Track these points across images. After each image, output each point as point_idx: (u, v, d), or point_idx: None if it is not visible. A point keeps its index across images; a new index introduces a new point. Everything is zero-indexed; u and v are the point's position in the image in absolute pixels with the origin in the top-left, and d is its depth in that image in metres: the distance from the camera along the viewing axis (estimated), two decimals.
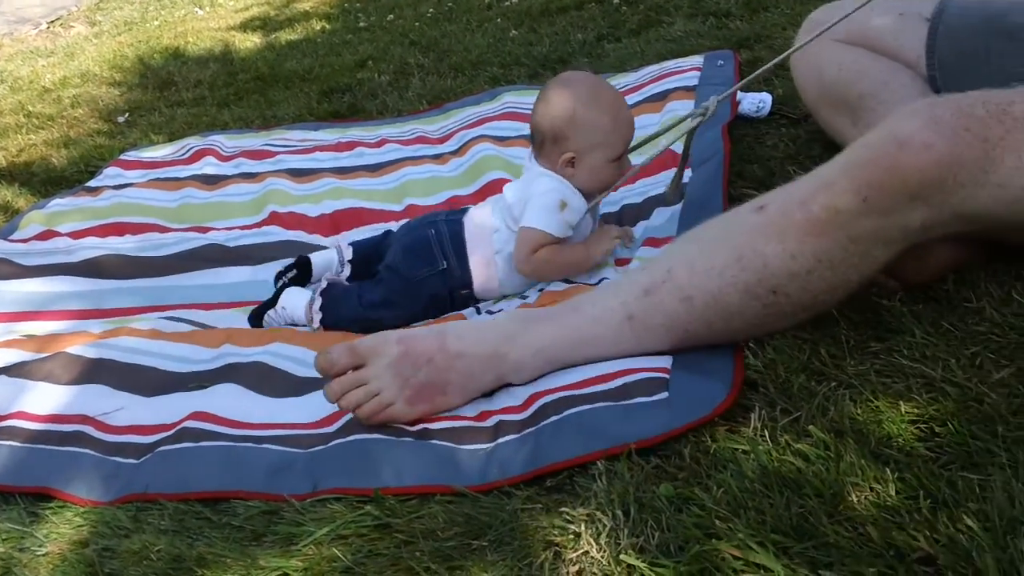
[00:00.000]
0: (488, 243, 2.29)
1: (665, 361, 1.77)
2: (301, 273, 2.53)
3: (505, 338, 1.86)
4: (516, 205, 2.26)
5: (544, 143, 2.23)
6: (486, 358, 1.85)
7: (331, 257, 2.55)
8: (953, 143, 1.54)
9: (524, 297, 2.30)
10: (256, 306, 2.50)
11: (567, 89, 2.21)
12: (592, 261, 2.25)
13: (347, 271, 2.49)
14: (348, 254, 2.51)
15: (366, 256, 2.49)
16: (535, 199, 2.21)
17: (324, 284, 2.39)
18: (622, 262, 2.30)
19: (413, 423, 1.83)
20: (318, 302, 2.35)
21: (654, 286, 1.76)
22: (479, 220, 2.33)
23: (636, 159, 2.32)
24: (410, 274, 2.31)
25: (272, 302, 2.47)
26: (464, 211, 2.40)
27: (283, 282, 2.52)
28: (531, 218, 2.21)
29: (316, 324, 2.35)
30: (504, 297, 2.34)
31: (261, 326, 2.48)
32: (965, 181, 1.55)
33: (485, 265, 2.30)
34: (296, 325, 2.41)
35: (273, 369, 2.14)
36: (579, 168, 2.21)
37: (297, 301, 2.42)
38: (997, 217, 1.61)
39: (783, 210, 1.67)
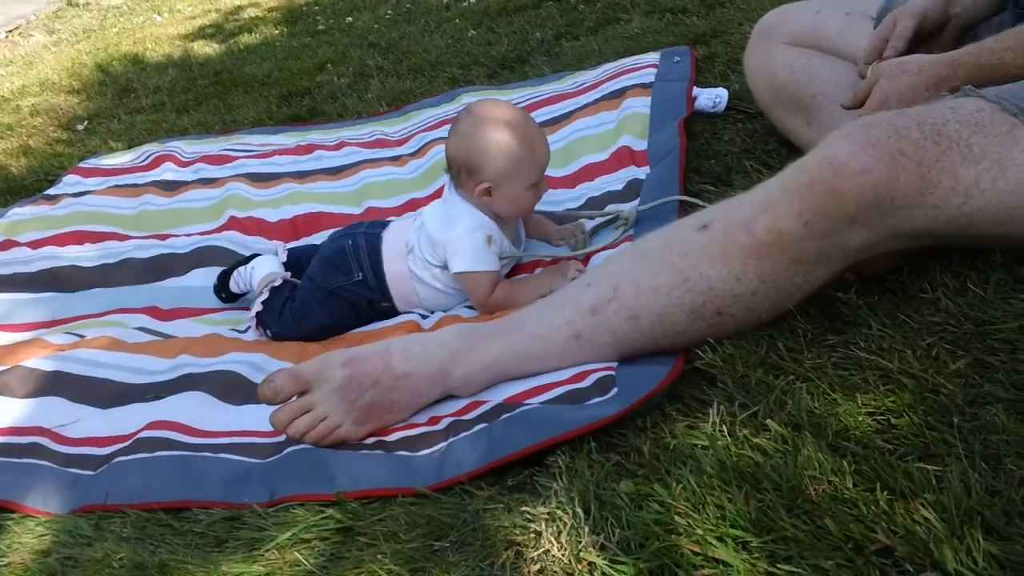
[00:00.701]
0: (403, 261, 2.31)
1: (612, 362, 1.79)
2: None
3: (451, 356, 1.86)
4: (438, 244, 2.26)
5: (460, 174, 2.25)
6: (432, 376, 1.86)
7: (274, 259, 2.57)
8: (890, 167, 1.55)
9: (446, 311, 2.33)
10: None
11: (479, 121, 2.23)
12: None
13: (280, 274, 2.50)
14: (283, 257, 2.54)
15: (298, 261, 2.52)
16: (460, 241, 2.22)
17: (279, 281, 2.42)
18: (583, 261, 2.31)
19: (365, 438, 1.84)
20: (264, 295, 2.38)
21: (600, 305, 1.77)
22: (397, 237, 2.35)
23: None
24: (325, 283, 2.34)
25: (246, 260, 2.53)
26: (385, 225, 2.41)
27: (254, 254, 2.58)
28: (464, 263, 2.22)
29: (252, 313, 2.39)
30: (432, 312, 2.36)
31: (228, 283, 2.54)
32: (902, 204, 1.56)
33: (401, 281, 2.32)
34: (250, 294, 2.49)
35: (232, 375, 2.14)
36: (496, 197, 2.23)
37: (263, 269, 2.47)
38: (936, 235, 1.62)
39: (726, 231, 1.68)
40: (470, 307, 2.30)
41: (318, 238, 2.78)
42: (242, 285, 2.53)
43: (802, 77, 2.25)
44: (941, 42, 2.03)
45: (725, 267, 1.66)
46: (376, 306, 2.34)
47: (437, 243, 2.25)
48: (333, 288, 2.33)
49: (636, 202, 2.40)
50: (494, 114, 2.24)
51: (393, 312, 2.35)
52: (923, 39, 2.00)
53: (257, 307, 2.37)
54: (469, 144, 2.21)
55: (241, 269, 2.52)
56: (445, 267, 2.26)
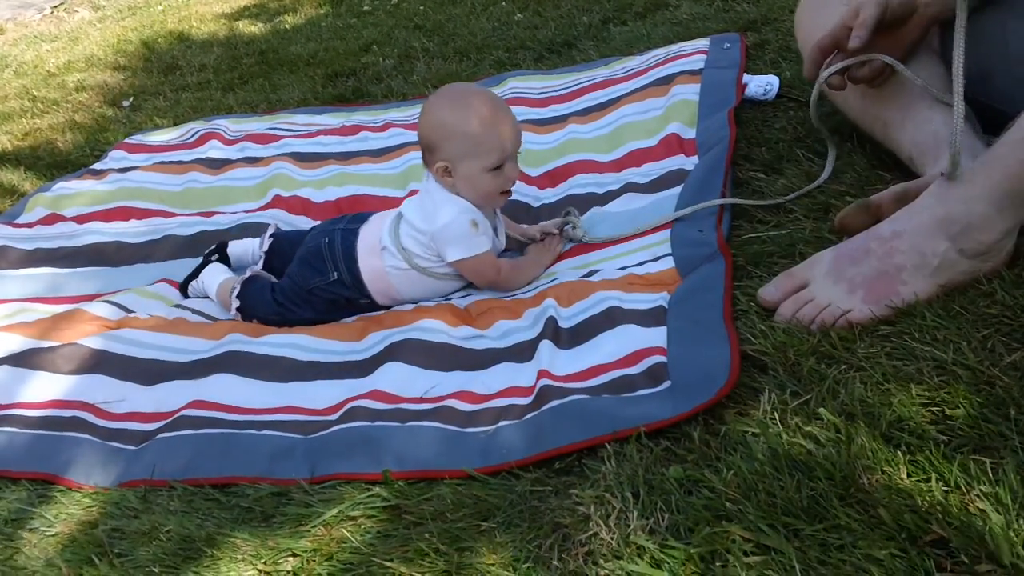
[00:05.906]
0: (377, 257, 2.30)
1: (660, 341, 1.80)
2: (221, 257, 2.60)
3: (938, 200, 1.73)
4: (424, 235, 2.25)
5: (424, 152, 2.25)
6: (929, 226, 1.72)
7: (252, 245, 2.60)
8: None
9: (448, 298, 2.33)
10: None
11: (439, 99, 2.25)
12: (544, 268, 2.30)
13: (260, 262, 2.53)
14: (266, 245, 2.55)
15: (282, 248, 2.53)
16: (447, 232, 2.22)
17: (247, 275, 2.43)
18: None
19: (871, 322, 1.72)
20: (236, 290, 2.39)
21: None
22: (371, 234, 2.34)
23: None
24: (302, 283, 2.34)
25: (196, 273, 2.54)
26: (365, 219, 2.41)
27: (208, 258, 2.58)
28: (458, 251, 2.23)
29: (233, 312, 2.39)
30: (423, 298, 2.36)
31: (187, 294, 2.55)
32: None
33: (377, 277, 2.31)
34: (208, 299, 2.51)
35: (276, 354, 2.15)
36: (456, 177, 2.21)
37: (213, 278, 2.49)
38: None
39: None
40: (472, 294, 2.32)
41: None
42: (200, 293, 2.55)
43: None
44: (904, 33, 2.01)
45: None
46: (355, 303, 2.35)
47: (425, 235, 2.25)
48: (311, 288, 2.33)
49: (589, 212, 2.46)
50: (458, 94, 2.27)
51: (373, 307, 2.35)
52: (886, 29, 1.98)
53: (235, 303, 2.38)
54: (429, 121, 2.22)
55: (194, 282, 2.54)
56: (439, 259, 2.27)
